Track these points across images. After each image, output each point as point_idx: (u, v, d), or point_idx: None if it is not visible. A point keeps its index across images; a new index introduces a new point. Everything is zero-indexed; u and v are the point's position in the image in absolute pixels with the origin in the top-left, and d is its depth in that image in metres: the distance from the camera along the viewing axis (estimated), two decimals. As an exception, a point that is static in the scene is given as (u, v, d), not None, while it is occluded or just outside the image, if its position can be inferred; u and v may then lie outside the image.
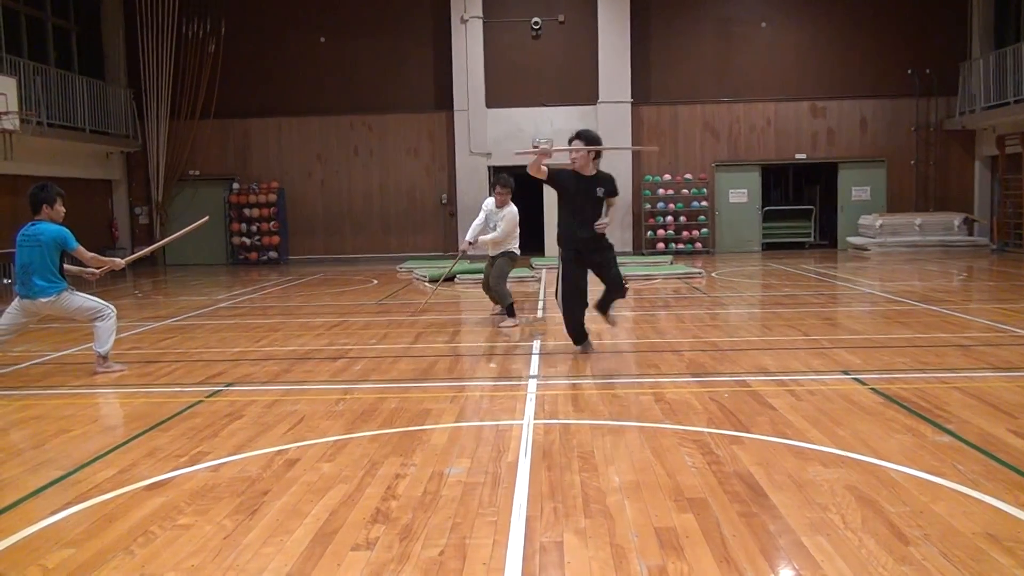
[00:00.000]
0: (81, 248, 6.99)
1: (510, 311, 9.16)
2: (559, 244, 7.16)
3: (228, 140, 20.74)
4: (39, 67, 16.93)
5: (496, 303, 9.46)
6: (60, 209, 7.02)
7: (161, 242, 8.73)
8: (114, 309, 7.10)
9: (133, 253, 9.01)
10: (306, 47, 20.49)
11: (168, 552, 3.31)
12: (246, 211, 20.36)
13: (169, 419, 5.39)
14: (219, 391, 6.22)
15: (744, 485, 3.89)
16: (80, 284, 7.47)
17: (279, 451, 4.62)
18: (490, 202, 9.25)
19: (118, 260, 7.54)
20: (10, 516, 3.74)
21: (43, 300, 6.83)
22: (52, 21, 18.59)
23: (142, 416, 5.51)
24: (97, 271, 7.40)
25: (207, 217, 9.56)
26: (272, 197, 20.25)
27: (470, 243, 9.18)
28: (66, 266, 7.10)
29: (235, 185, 20.55)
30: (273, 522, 3.59)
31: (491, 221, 9.11)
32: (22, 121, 15.16)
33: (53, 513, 3.76)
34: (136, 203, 20.96)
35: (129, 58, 20.42)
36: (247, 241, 20.53)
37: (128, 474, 4.29)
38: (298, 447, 4.69)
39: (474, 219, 9.47)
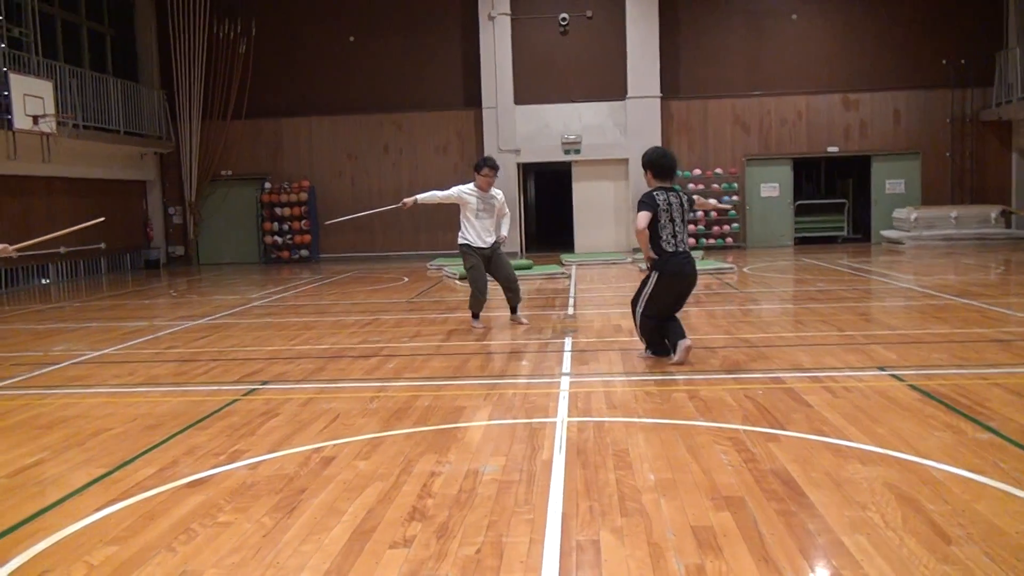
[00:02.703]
0: None
1: (477, 315, 8.93)
2: (662, 264, 6.48)
3: (260, 140, 20.91)
4: (75, 70, 17.19)
5: (480, 309, 8.99)
6: None
7: (54, 234, 8.55)
8: None
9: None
10: (336, 47, 20.61)
11: (209, 549, 3.35)
12: (278, 210, 20.54)
13: (207, 417, 5.46)
14: (255, 389, 6.29)
15: (781, 483, 3.87)
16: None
17: (315, 449, 4.66)
18: (470, 187, 8.80)
19: (1, 245, 7.39)
20: (55, 513, 3.81)
21: None
22: (87, 25, 18.86)
23: (180, 414, 5.58)
24: None
25: (103, 218, 9.62)
26: (303, 196, 20.40)
27: (414, 202, 8.85)
28: None
29: (267, 184, 20.73)
30: (311, 520, 3.63)
31: (485, 205, 8.73)
32: (59, 124, 15.41)
33: (96, 510, 3.82)
34: (170, 203, 21.22)
35: (162, 60, 20.66)
36: (279, 240, 20.70)
37: (168, 472, 4.35)
38: (334, 445, 4.73)
39: (439, 191, 9.07)
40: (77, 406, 5.95)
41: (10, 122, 14.28)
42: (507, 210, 9.10)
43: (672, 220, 6.46)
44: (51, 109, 15.15)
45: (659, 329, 6.69)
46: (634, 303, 6.74)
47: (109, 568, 3.21)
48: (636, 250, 17.92)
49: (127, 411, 5.74)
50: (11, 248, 7.30)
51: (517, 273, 14.30)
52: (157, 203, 21.12)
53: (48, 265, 16.83)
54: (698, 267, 6.88)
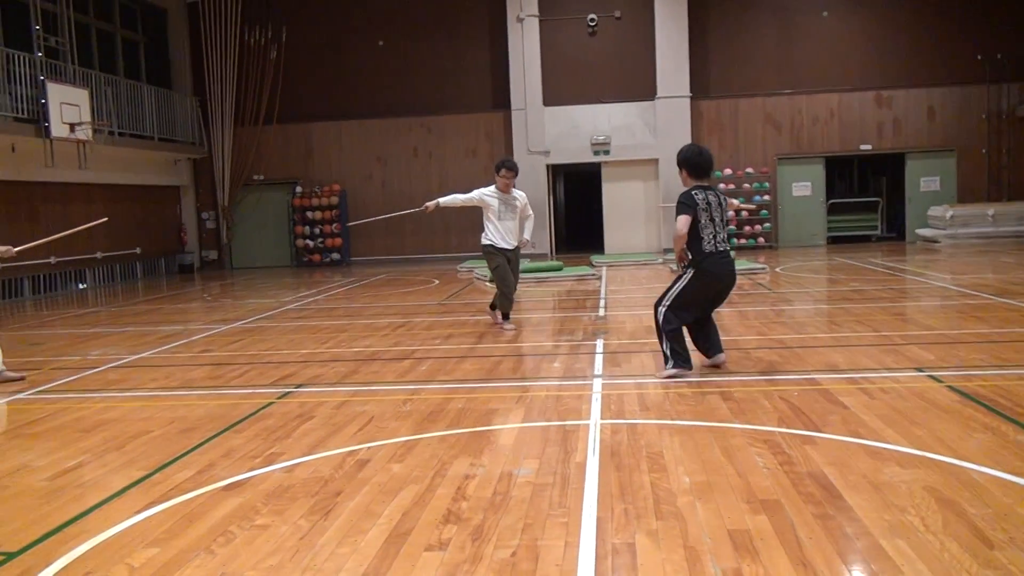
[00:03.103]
0: None
1: (507, 315, 9.00)
2: (703, 265, 6.13)
3: (291, 144, 21.11)
4: (110, 78, 17.48)
5: (507, 305, 9.01)
6: None
7: (55, 236, 8.57)
8: None
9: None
10: (365, 51, 20.75)
11: (247, 552, 3.39)
12: (309, 214, 20.72)
13: (243, 420, 5.52)
14: (290, 392, 6.35)
15: (818, 486, 3.83)
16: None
17: (350, 452, 4.70)
18: (491, 189, 8.86)
19: (2, 249, 7.48)
20: (96, 516, 3.87)
21: None
22: (121, 33, 19.16)
23: (217, 417, 5.65)
24: None
25: (106, 218, 9.74)
26: (334, 199, 20.56)
27: (436, 206, 8.92)
28: None
29: (298, 188, 20.92)
30: (347, 523, 3.65)
31: (507, 207, 8.77)
32: (94, 131, 15.66)
33: (137, 513, 3.88)
34: (203, 208, 21.49)
35: (194, 67, 20.95)
36: (310, 243, 20.88)
37: (206, 475, 4.40)
38: (368, 448, 4.76)
39: (461, 194, 9.14)
40: (116, 409, 6.04)
41: (48, 130, 14.55)
42: (531, 211, 9.13)
43: (712, 220, 6.12)
44: (87, 117, 15.43)
45: (686, 334, 6.32)
46: (657, 304, 6.24)
47: (150, 570, 3.25)
48: (668, 250, 17.85)
49: (165, 414, 5.82)
50: (13, 250, 7.45)
51: (547, 275, 14.41)
52: (191, 208, 21.39)
53: (85, 270, 17.10)
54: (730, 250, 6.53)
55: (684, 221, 6.08)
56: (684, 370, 6.12)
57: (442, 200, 9.05)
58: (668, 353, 6.14)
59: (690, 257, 6.17)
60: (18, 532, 3.70)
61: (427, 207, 9.00)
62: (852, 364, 6.49)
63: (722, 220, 6.23)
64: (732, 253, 6.53)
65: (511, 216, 8.83)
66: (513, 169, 8.84)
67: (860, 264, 14.87)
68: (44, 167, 14.99)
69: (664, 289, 6.31)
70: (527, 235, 9.01)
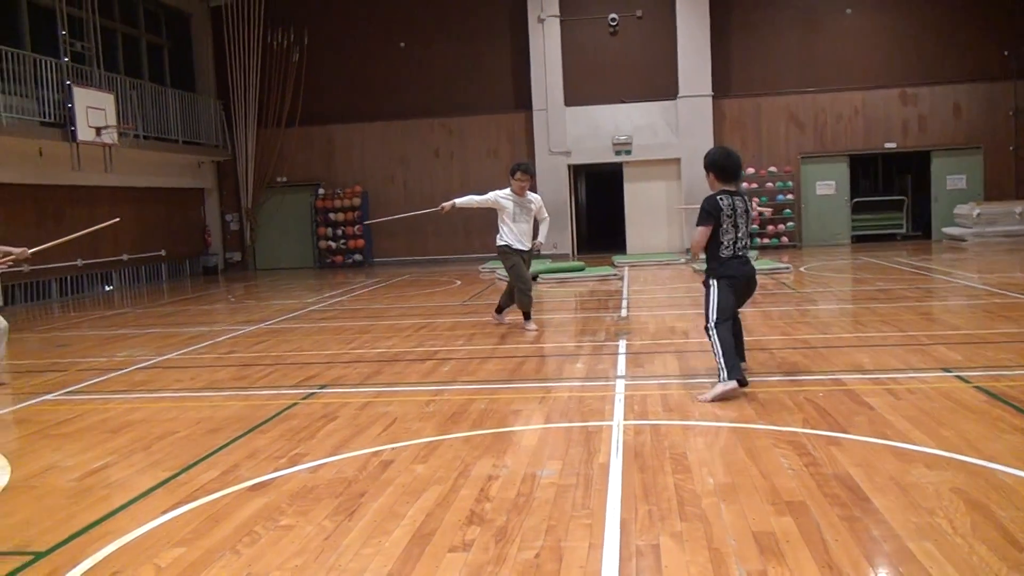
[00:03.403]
0: None
1: (528, 314, 9.03)
2: (720, 271, 5.88)
3: (313, 146, 21.23)
4: (135, 82, 17.66)
5: (513, 304, 9.07)
6: None
7: (68, 237, 8.64)
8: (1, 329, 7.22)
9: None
10: (386, 53, 20.82)
11: (272, 552, 3.41)
12: (331, 215, 20.83)
13: (267, 421, 5.56)
14: (314, 393, 6.38)
15: (844, 488, 3.80)
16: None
17: (374, 452, 4.71)
18: (506, 191, 8.91)
19: (17, 249, 7.59)
20: (123, 516, 3.91)
21: None
22: (146, 38, 19.34)
23: (242, 418, 5.69)
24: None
25: (118, 219, 9.86)
26: (356, 201, 20.65)
27: (452, 206, 8.98)
28: None
29: (321, 190, 21.04)
30: (371, 523, 3.66)
31: (521, 209, 8.84)
32: (120, 134, 15.82)
33: (163, 513, 3.91)
34: (227, 210, 21.65)
35: (218, 70, 21.11)
36: (333, 244, 20.98)
37: (231, 475, 4.43)
38: (392, 448, 4.77)
39: (477, 196, 9.21)
40: (142, 410, 6.09)
41: (74, 134, 14.72)
42: (545, 214, 9.18)
43: (736, 226, 5.82)
44: (113, 120, 15.59)
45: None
46: (705, 327, 5.81)
47: (176, 570, 3.28)
48: (689, 250, 17.77)
49: (190, 415, 5.87)
50: (29, 251, 7.57)
51: (570, 275, 14.39)
52: (215, 210, 21.55)
53: (111, 272, 17.29)
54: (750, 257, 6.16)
55: (703, 233, 5.82)
56: (741, 387, 5.62)
57: (458, 201, 9.11)
58: (726, 368, 5.58)
59: (708, 263, 5.92)
60: (47, 532, 3.75)
61: (443, 207, 9.06)
62: (878, 364, 6.43)
63: (746, 226, 5.95)
64: (755, 254, 6.29)
65: (525, 219, 8.91)
66: (528, 172, 8.91)
67: (885, 263, 14.73)
68: (70, 171, 15.16)
69: (703, 310, 5.91)
70: (541, 238, 9.08)
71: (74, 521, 3.86)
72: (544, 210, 9.14)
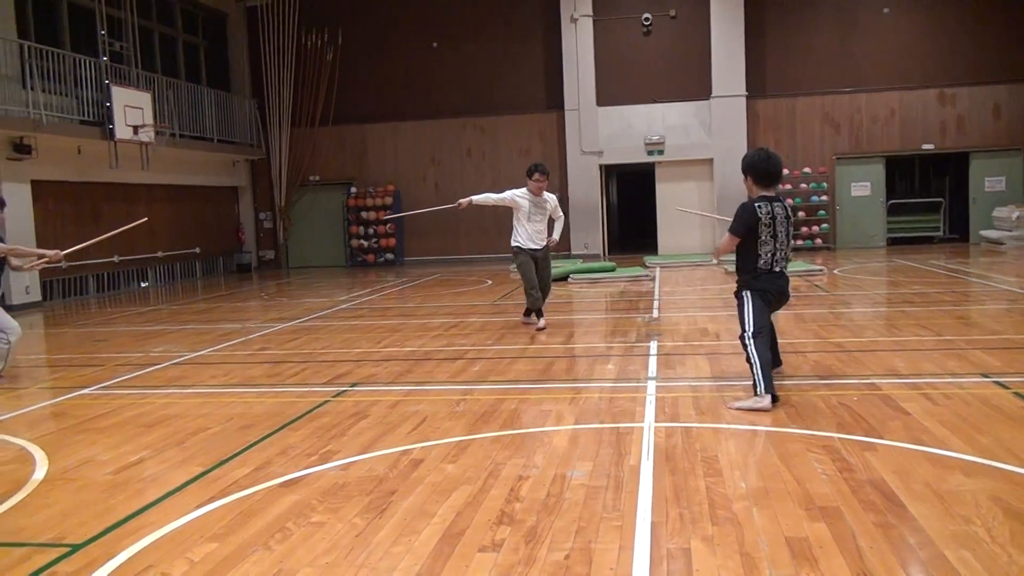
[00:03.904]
0: None
1: (539, 312, 9.11)
2: (753, 284, 5.60)
3: (346, 145, 21.35)
4: (171, 81, 17.87)
5: (538, 305, 9.06)
6: (1, 217, 7.39)
7: (98, 238, 8.74)
8: (13, 337, 7.33)
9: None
10: (419, 53, 20.89)
11: (303, 548, 3.43)
12: (364, 214, 20.93)
13: (299, 418, 5.60)
14: (345, 391, 6.42)
15: (879, 494, 3.74)
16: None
17: (404, 451, 4.73)
18: (522, 191, 9.00)
19: (50, 251, 7.75)
20: (157, 510, 3.96)
21: None
22: (183, 37, 19.57)
23: (273, 415, 5.73)
24: (23, 264, 7.69)
25: (145, 219, 9.96)
26: (388, 200, 20.73)
27: (469, 203, 9.10)
28: (11, 262, 7.53)
29: (353, 189, 21.15)
30: (401, 522, 3.67)
31: (536, 209, 8.94)
32: (156, 133, 16.03)
33: (196, 508, 3.95)
34: (261, 208, 21.84)
35: (253, 70, 21.30)
36: (365, 243, 21.09)
37: (263, 472, 4.47)
38: (422, 447, 4.78)
39: (494, 194, 9.31)
40: (176, 406, 6.17)
41: (112, 132, 14.93)
42: (560, 213, 9.31)
43: (775, 236, 5.46)
44: (149, 119, 15.79)
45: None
46: (743, 337, 5.55)
47: (209, 564, 3.31)
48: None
49: (223, 411, 5.93)
50: (62, 253, 7.74)
51: (601, 276, 14.35)
52: (248, 208, 21.75)
53: (147, 269, 17.52)
54: (787, 269, 5.79)
55: (730, 240, 5.57)
56: (775, 404, 5.32)
57: (475, 198, 9.24)
58: (762, 382, 5.32)
59: (740, 274, 5.65)
60: (83, 524, 3.80)
61: (460, 204, 9.21)
62: (914, 369, 6.34)
63: (786, 235, 5.54)
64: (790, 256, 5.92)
65: (540, 218, 9.03)
66: (546, 173, 9.03)
67: (921, 266, 14.52)
68: (108, 168, 15.38)
69: (738, 319, 5.65)
70: (555, 236, 9.23)
71: (110, 514, 3.92)
72: (559, 209, 9.27)
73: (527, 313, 9.44)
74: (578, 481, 4.09)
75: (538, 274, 9.06)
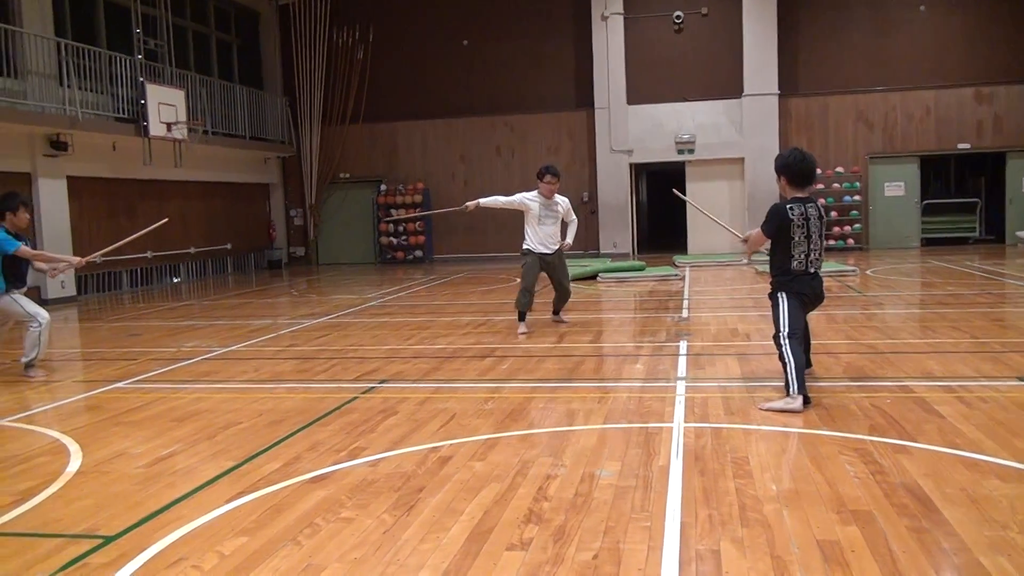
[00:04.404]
0: (24, 248, 7.38)
1: (522, 315, 8.92)
2: (786, 283, 5.55)
3: (376, 143, 21.44)
4: (204, 79, 18.05)
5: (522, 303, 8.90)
6: (24, 216, 7.48)
7: (120, 243, 8.71)
8: (43, 322, 7.40)
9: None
10: (449, 51, 20.92)
11: (332, 544, 3.45)
12: (393, 211, 21.00)
13: (328, 414, 5.63)
14: (373, 388, 6.44)
15: (913, 498, 3.69)
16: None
17: (432, 448, 4.74)
18: (533, 194, 8.91)
19: (75, 258, 7.91)
20: (188, 504, 4.00)
21: None
22: (216, 35, 19.76)
23: (303, 411, 5.77)
24: (48, 268, 7.80)
25: (167, 219, 10.03)
26: (418, 198, 20.79)
27: (476, 206, 9.04)
28: (36, 265, 7.63)
29: (383, 187, 21.24)
30: (430, 519, 3.68)
31: (547, 212, 8.82)
32: (189, 130, 16.20)
33: (227, 502, 3.99)
34: (291, 205, 22.00)
35: (284, 68, 21.47)
36: (394, 241, 21.18)
37: (292, 467, 4.50)
38: (450, 445, 4.79)
39: (503, 196, 9.27)
40: (207, 400, 6.23)
41: (146, 129, 15.11)
42: (573, 217, 9.17)
43: (808, 237, 5.39)
44: (183, 116, 15.96)
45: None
46: (777, 337, 5.48)
47: (239, 558, 3.34)
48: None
49: (253, 406, 5.98)
50: (83, 260, 7.89)
51: (629, 275, 14.30)
52: (279, 205, 21.92)
53: (179, 265, 17.72)
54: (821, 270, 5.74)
55: (760, 236, 5.57)
56: (807, 405, 5.26)
57: (483, 200, 9.19)
58: (796, 384, 5.26)
59: (775, 275, 5.58)
60: (116, 517, 3.85)
61: (467, 207, 9.14)
62: (948, 371, 6.24)
63: (820, 236, 5.48)
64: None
65: (551, 221, 8.90)
66: (557, 175, 8.90)
67: (956, 267, 14.30)
68: (142, 165, 15.58)
69: (773, 321, 5.56)
70: (569, 239, 9.06)
71: (142, 507, 3.96)
72: (572, 213, 9.13)
73: (555, 312, 9.40)
74: (606, 481, 4.08)
75: (553, 278, 9.02)
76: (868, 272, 14.16)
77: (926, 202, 19.96)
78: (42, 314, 7.51)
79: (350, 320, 10.51)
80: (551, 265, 8.91)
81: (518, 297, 8.89)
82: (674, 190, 8.33)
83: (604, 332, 9.12)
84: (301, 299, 13.73)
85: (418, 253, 21.06)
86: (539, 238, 8.84)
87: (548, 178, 8.81)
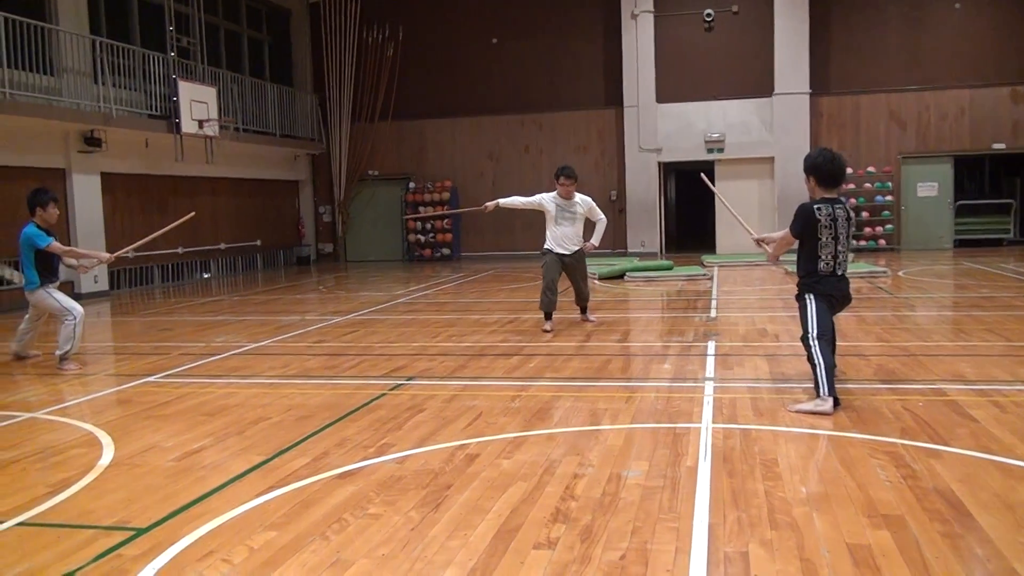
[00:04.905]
0: (55, 244, 7.53)
1: (548, 315, 8.93)
2: (813, 284, 5.48)
3: (404, 141, 21.52)
4: (235, 77, 18.21)
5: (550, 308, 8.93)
6: (53, 211, 7.59)
7: (148, 238, 8.83)
8: (77, 316, 7.53)
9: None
10: (479, 49, 20.94)
11: (360, 540, 3.47)
12: (421, 209, 21.06)
13: (356, 410, 5.66)
14: (401, 384, 6.47)
15: (945, 503, 3.64)
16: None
17: (460, 446, 4.75)
18: (552, 195, 8.96)
19: (104, 254, 8.04)
20: (218, 498, 4.04)
21: (27, 294, 7.68)
22: (247, 33, 19.93)
23: (331, 407, 5.80)
24: (78, 264, 7.93)
25: (193, 213, 10.11)
26: (446, 195, 20.84)
27: (496, 206, 9.11)
28: (65, 261, 7.83)
29: (411, 184, 21.31)
30: (457, 516, 3.69)
31: (565, 213, 8.84)
32: (221, 127, 16.35)
33: (256, 496, 4.02)
34: (320, 202, 22.15)
35: (315, 65, 21.60)
36: (422, 238, 21.24)
37: (321, 463, 4.53)
38: (478, 442, 4.80)
39: (522, 197, 9.31)
40: (237, 395, 6.28)
41: (178, 126, 15.27)
42: (600, 216, 9.12)
43: (836, 238, 5.34)
44: (214, 114, 16.11)
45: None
46: (805, 338, 5.42)
47: (268, 552, 3.37)
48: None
49: (282, 402, 6.02)
50: (112, 256, 8.04)
51: (657, 274, 14.25)
52: (308, 202, 22.07)
53: (209, 260, 17.89)
54: (849, 270, 5.64)
55: (784, 239, 5.61)
56: (837, 407, 5.20)
57: (502, 201, 9.23)
58: (826, 385, 5.20)
59: (802, 276, 5.52)
60: (147, 509, 3.90)
61: (486, 207, 9.19)
62: (982, 375, 6.15)
63: (847, 238, 5.43)
64: (852, 256, 5.77)
65: (569, 222, 8.89)
66: (572, 177, 8.91)
67: (990, 269, 14.09)
68: (174, 161, 15.76)
69: (801, 322, 5.49)
70: (595, 240, 9.00)
71: (172, 500, 4.01)
72: (597, 211, 9.10)
73: (583, 311, 9.40)
74: (634, 481, 4.06)
75: (572, 279, 9.02)
76: (900, 273, 13.99)
77: (959, 203, 19.69)
78: (76, 308, 7.63)
79: (378, 317, 10.56)
80: (569, 266, 8.93)
81: (541, 296, 8.92)
82: (701, 174, 8.31)
83: (632, 331, 9.09)
84: (329, 296, 13.81)
85: (445, 251, 21.12)
86: (556, 238, 8.89)
87: (563, 180, 8.88)
